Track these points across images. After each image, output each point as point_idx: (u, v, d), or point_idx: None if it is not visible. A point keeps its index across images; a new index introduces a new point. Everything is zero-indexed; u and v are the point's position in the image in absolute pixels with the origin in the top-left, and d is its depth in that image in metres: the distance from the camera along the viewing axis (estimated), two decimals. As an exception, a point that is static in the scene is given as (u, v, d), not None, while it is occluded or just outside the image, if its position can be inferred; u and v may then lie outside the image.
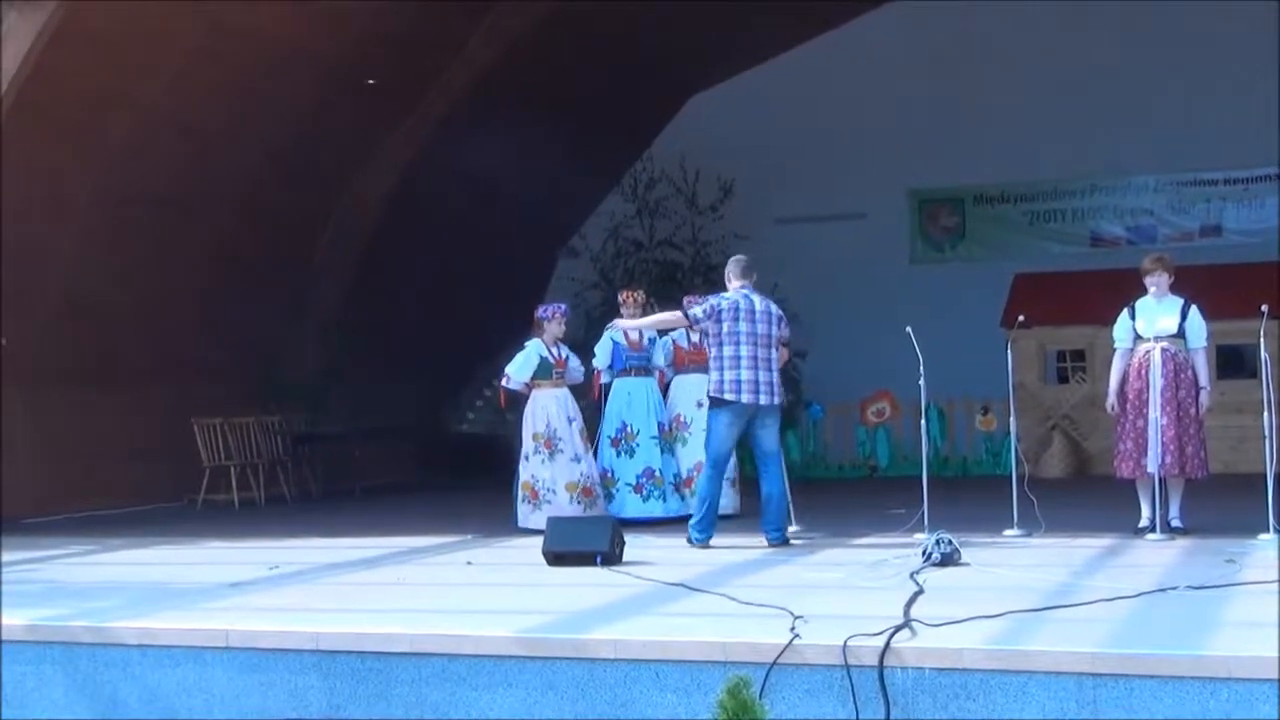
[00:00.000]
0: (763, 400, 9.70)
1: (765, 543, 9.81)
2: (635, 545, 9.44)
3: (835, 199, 18.79)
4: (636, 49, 17.16)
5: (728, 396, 9.66)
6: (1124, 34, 17.61)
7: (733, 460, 10.97)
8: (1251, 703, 5.55)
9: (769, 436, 9.85)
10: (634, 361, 11.91)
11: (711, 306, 9.81)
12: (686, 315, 10.16)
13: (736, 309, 9.74)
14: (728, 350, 9.67)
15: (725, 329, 9.68)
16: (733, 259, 10.24)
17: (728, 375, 9.65)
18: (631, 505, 11.71)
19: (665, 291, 17.76)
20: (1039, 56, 17.92)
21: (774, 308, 9.96)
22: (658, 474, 11.81)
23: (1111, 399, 10.09)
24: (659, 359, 12.11)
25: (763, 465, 9.95)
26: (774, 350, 9.84)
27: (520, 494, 11.58)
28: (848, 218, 18.80)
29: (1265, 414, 9.59)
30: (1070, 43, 17.82)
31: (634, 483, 11.81)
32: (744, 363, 9.64)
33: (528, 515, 11.47)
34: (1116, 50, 17.62)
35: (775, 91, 18.79)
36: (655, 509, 11.69)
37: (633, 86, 18.00)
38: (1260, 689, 5.55)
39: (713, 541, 9.91)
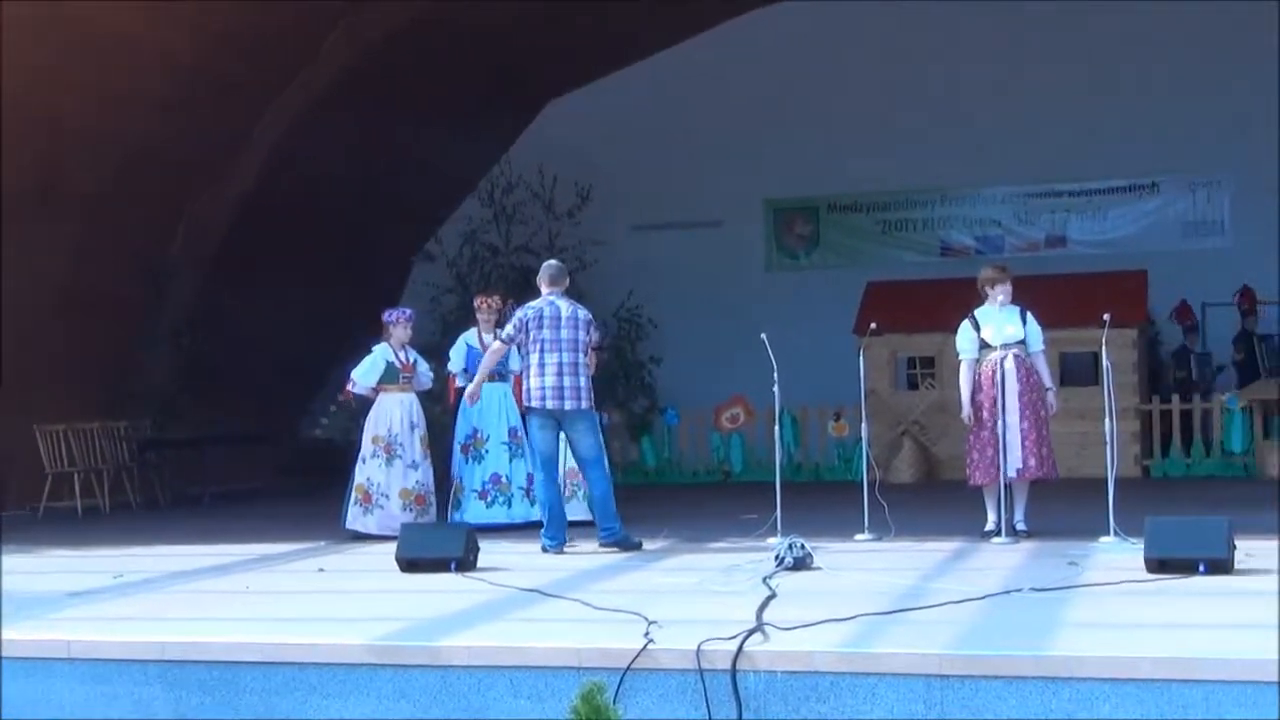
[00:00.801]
0: (568, 405, 9.83)
1: (623, 549, 9.84)
2: (490, 552, 9.41)
3: (692, 206, 18.91)
4: (495, 54, 17.10)
5: (534, 403, 9.85)
6: (973, 47, 17.95)
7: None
8: (1092, 702, 5.69)
9: (582, 442, 9.97)
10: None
11: (519, 320, 9.99)
12: (502, 340, 10.23)
13: (541, 316, 9.89)
14: (534, 357, 9.84)
15: (532, 337, 9.84)
16: (544, 265, 10.35)
17: (534, 382, 9.84)
18: (475, 511, 11.67)
19: (522, 297, 17.72)
20: (892, 68, 18.19)
21: (582, 313, 10.05)
22: (504, 480, 11.77)
23: (967, 409, 10.24)
24: (514, 363, 12.08)
25: (582, 470, 10.18)
26: (581, 355, 9.91)
27: (352, 495, 11.51)
28: (704, 225, 18.93)
29: (1106, 420, 9.84)
30: (923, 54, 18.12)
31: (479, 489, 11.76)
32: (549, 369, 9.80)
33: (357, 517, 11.45)
34: (966, 63, 17.96)
35: (633, 99, 18.85)
36: (499, 515, 11.66)
37: (491, 91, 17.93)
38: (1100, 689, 5.69)
39: (567, 547, 9.91)
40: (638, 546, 9.90)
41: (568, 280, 10.21)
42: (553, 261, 10.43)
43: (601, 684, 5.82)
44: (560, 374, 9.81)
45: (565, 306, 9.98)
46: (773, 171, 18.76)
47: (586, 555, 9.72)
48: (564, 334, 9.87)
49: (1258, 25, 17.07)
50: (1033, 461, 10.05)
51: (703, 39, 18.85)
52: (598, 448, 10.09)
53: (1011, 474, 9.99)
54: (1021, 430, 10.02)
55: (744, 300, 18.11)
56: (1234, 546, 8.02)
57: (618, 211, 18.55)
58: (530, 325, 9.89)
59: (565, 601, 7.52)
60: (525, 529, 11.13)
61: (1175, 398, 16.12)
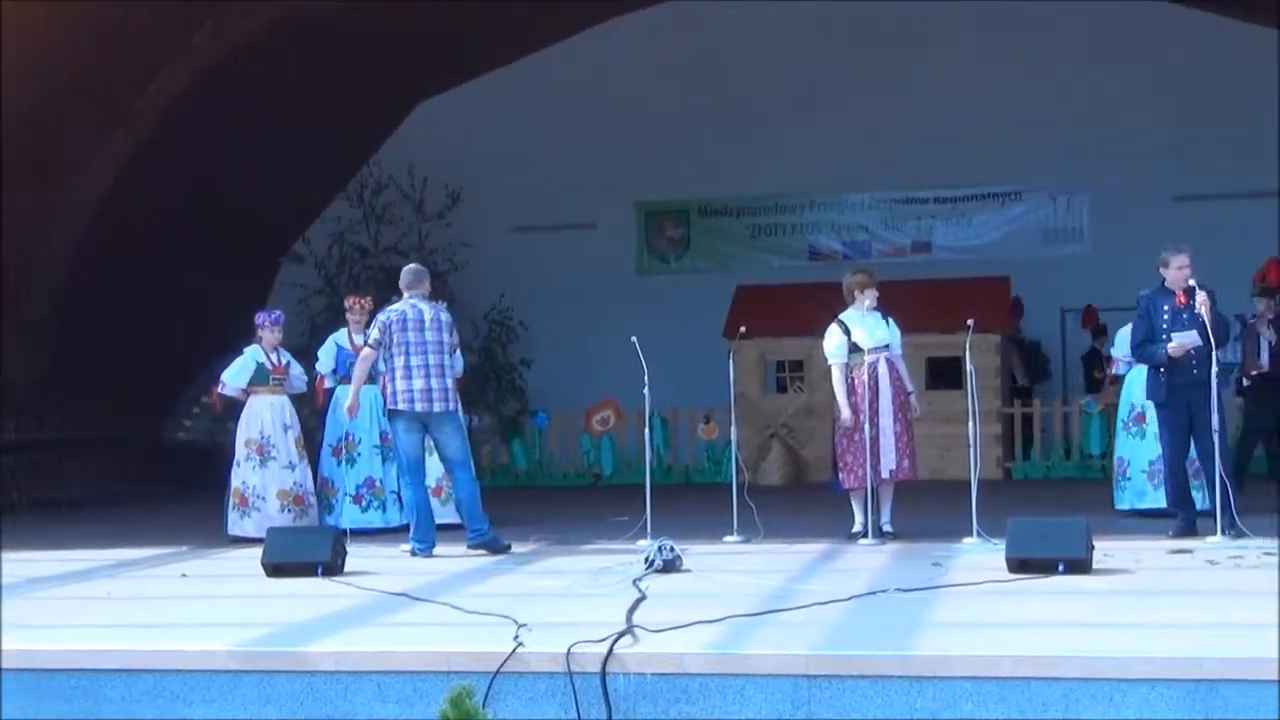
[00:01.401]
0: (436, 408, 9.83)
1: (491, 552, 9.81)
2: (358, 555, 9.32)
3: (563, 209, 18.89)
4: (365, 54, 16.95)
5: (400, 406, 9.83)
6: (845, 55, 18.16)
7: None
8: (955, 701, 5.78)
9: (449, 444, 9.98)
10: None
11: (381, 324, 9.98)
12: (369, 346, 10.19)
13: (404, 320, 9.88)
14: (398, 361, 9.83)
15: (395, 340, 9.83)
16: (405, 268, 10.33)
17: (400, 385, 9.82)
18: (350, 515, 11.56)
19: (391, 300, 17.58)
20: (763, 73, 18.34)
21: (444, 315, 10.06)
22: (379, 484, 11.69)
23: (847, 413, 10.27)
24: (383, 365, 11.98)
25: (449, 472, 10.20)
26: (446, 357, 9.90)
27: (230, 501, 11.37)
28: (575, 227, 18.92)
29: (970, 423, 10.01)
30: (792, 60, 18.29)
31: (353, 493, 11.67)
32: (414, 372, 9.79)
33: (236, 522, 11.33)
34: (835, 70, 18.16)
35: (505, 100, 18.79)
36: (375, 519, 11.57)
37: (361, 91, 17.77)
38: (963, 687, 5.78)
39: (437, 550, 9.86)
40: (506, 549, 9.87)
41: (428, 283, 10.18)
42: (412, 265, 10.46)
43: (470, 687, 5.80)
44: (427, 376, 9.79)
45: (427, 309, 9.97)
46: (644, 175, 18.82)
47: (456, 558, 9.67)
48: (428, 336, 9.85)
49: (1118, 38, 17.50)
50: (906, 463, 10.22)
51: (575, 41, 18.85)
52: (464, 450, 10.08)
53: (885, 475, 10.13)
54: (895, 432, 10.16)
55: (615, 303, 18.14)
56: (1092, 547, 8.21)
57: (489, 213, 18.47)
58: (393, 328, 9.87)
59: (434, 605, 7.48)
60: (398, 533, 11.05)
61: (1036, 402, 16.44)
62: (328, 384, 11.88)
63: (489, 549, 9.81)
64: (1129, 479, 11.41)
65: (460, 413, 10.19)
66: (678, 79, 18.47)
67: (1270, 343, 12.44)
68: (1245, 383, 13.33)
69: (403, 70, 17.99)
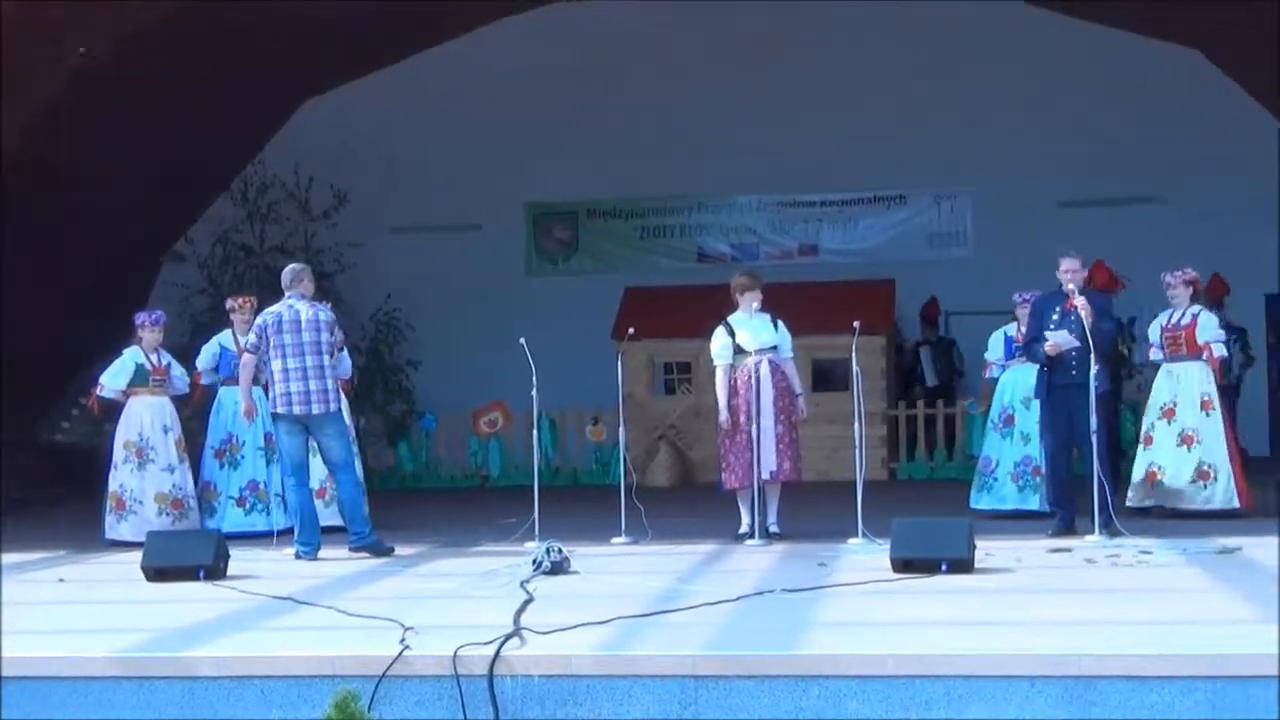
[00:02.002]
0: (315, 410, 9.76)
1: (374, 554, 9.73)
2: (241, 559, 9.20)
3: (451, 209, 18.78)
4: (249, 52, 16.72)
5: (280, 409, 9.78)
6: (733, 57, 18.25)
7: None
8: (840, 700, 5.84)
9: (332, 445, 9.92)
10: None
11: (258, 328, 9.94)
12: (248, 351, 10.12)
13: (280, 322, 9.82)
14: (276, 364, 9.77)
15: (272, 343, 9.77)
16: (285, 269, 10.23)
17: (278, 388, 9.77)
18: (233, 518, 11.42)
19: (276, 299, 17.36)
20: (652, 75, 18.37)
21: (323, 314, 9.98)
22: (262, 487, 11.55)
23: (725, 413, 10.39)
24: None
25: (332, 474, 10.16)
26: (325, 357, 9.81)
27: (107, 504, 11.19)
28: (463, 228, 18.82)
29: (856, 424, 10.12)
30: (680, 62, 18.35)
31: (237, 495, 11.52)
32: (292, 374, 9.72)
33: (113, 526, 11.20)
34: (723, 72, 18.25)
35: (392, 100, 18.64)
36: (259, 522, 11.42)
37: (244, 89, 17.52)
38: (847, 686, 5.84)
39: (322, 553, 9.76)
40: (389, 552, 9.80)
41: (309, 282, 10.09)
42: (292, 264, 10.37)
43: (355, 692, 5.77)
44: (305, 378, 9.71)
45: (305, 309, 9.87)
46: (533, 176, 18.77)
47: (341, 561, 9.59)
48: (305, 337, 9.77)
49: (1003, 44, 17.76)
50: (786, 464, 10.29)
51: (463, 41, 18.75)
52: (347, 451, 9.99)
53: (765, 476, 10.20)
54: (775, 434, 10.23)
55: (503, 304, 18.06)
56: (974, 547, 8.34)
57: (376, 213, 18.31)
58: (269, 331, 9.80)
59: (319, 609, 7.41)
60: (283, 536, 10.91)
61: (920, 404, 16.65)
62: (204, 380, 11.73)
63: (371, 552, 9.74)
64: (995, 479, 11.55)
65: (345, 413, 10.09)
66: (566, 81, 18.45)
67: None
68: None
69: (287, 69, 17.77)
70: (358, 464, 10.77)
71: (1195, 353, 11.22)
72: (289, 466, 9.91)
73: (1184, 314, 11.30)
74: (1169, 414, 11.18)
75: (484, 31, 18.72)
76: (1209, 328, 11.31)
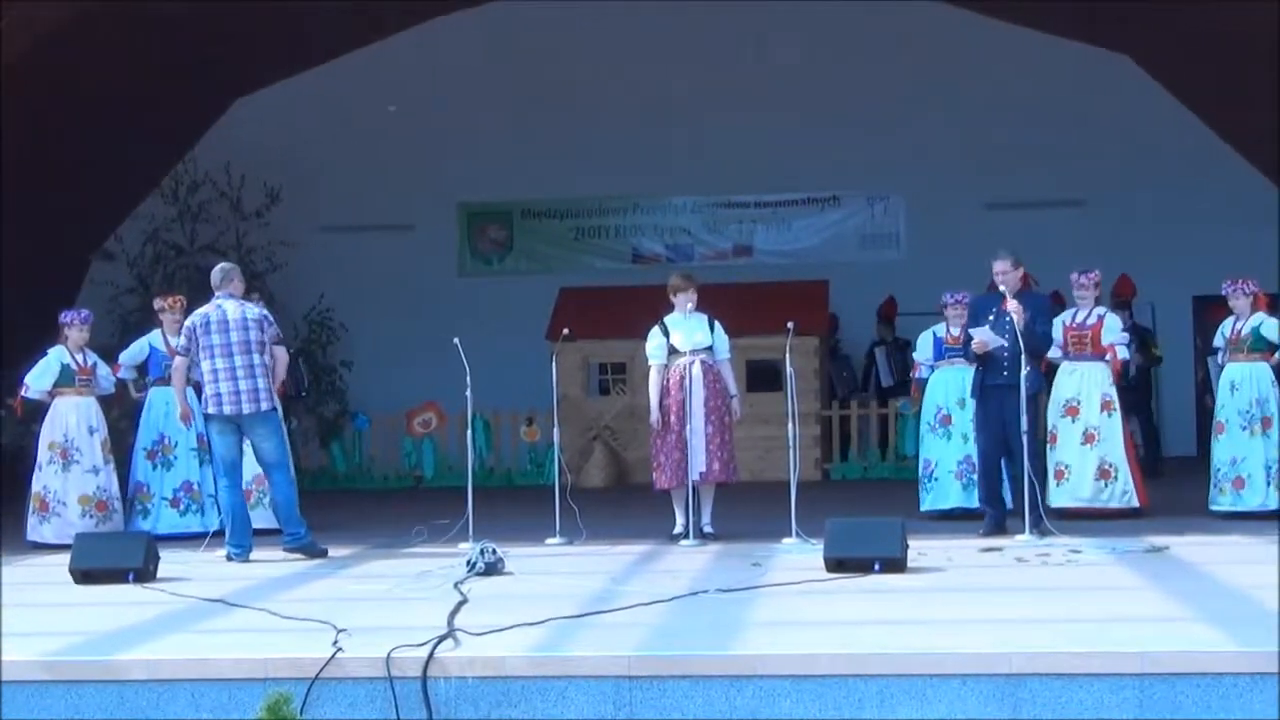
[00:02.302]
0: (245, 409, 9.69)
1: (307, 556, 9.67)
2: (171, 561, 9.12)
3: (384, 209, 18.69)
4: (178, 48, 16.57)
5: (211, 409, 9.74)
6: (665, 57, 18.27)
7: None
8: (774, 699, 5.87)
9: (265, 446, 9.85)
10: None
11: (187, 329, 9.90)
12: (179, 353, 10.07)
13: (208, 322, 9.77)
14: (206, 365, 9.73)
15: (201, 344, 9.73)
16: (215, 268, 10.18)
17: (209, 389, 9.74)
18: (168, 520, 11.32)
19: (206, 298, 17.19)
20: (586, 75, 18.36)
21: (252, 312, 9.90)
22: (196, 488, 11.45)
23: (655, 413, 10.44)
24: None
25: (266, 474, 10.08)
26: (256, 356, 9.74)
27: (30, 505, 11.07)
28: (396, 228, 18.74)
29: (790, 425, 10.16)
30: (616, 63, 18.35)
31: (170, 497, 11.42)
32: (221, 375, 9.67)
33: (35, 527, 11.07)
34: (657, 72, 18.27)
35: (325, 99, 18.52)
36: (193, 524, 11.31)
37: (175, 87, 17.36)
38: (781, 685, 5.87)
39: (254, 555, 9.68)
40: (323, 553, 9.75)
41: (238, 282, 10.04)
42: (221, 264, 10.30)
43: (288, 694, 5.73)
44: (234, 378, 9.65)
45: (233, 308, 9.81)
46: (466, 176, 18.71)
47: (273, 563, 9.52)
48: (234, 337, 9.70)
49: (934, 46, 17.89)
50: (716, 465, 10.30)
51: (397, 40, 18.66)
52: (281, 450, 9.92)
53: (695, 477, 10.22)
54: (706, 435, 10.25)
55: (437, 304, 18.00)
56: (907, 546, 8.39)
57: (308, 212, 18.19)
58: (198, 332, 9.75)
59: (251, 611, 7.36)
60: (213, 538, 10.81)
61: (854, 404, 16.74)
62: (122, 373, 11.62)
63: (305, 553, 9.68)
64: (936, 480, 11.62)
65: (278, 411, 9.99)
66: (500, 80, 18.41)
67: None
68: None
69: (218, 67, 17.62)
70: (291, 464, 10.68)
71: (1099, 353, 11.40)
72: (221, 467, 9.84)
73: (1089, 314, 11.46)
74: (1072, 412, 11.31)
75: (418, 30, 18.64)
76: (1114, 329, 11.50)
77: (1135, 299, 15.18)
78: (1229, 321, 11.39)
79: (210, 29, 16.31)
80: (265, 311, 10.04)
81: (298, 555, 9.65)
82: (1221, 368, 11.40)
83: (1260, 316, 11.21)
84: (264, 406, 9.73)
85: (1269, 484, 10.85)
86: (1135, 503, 11.23)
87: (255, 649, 6.29)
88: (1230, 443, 11.05)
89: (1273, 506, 10.78)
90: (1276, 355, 11.09)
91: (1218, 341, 11.55)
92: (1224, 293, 11.42)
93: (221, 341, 9.68)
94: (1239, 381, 11.10)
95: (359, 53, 18.66)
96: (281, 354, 9.97)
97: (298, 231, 17.84)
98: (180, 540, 10.70)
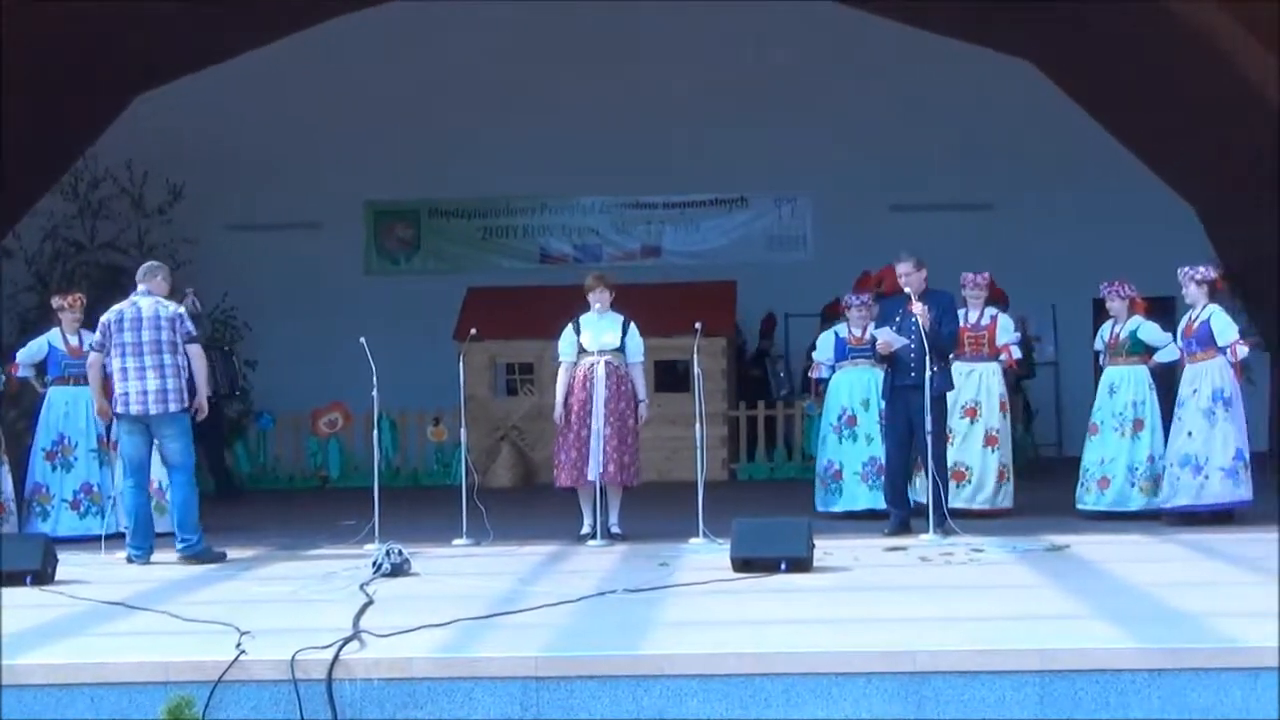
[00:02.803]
0: (153, 410, 9.55)
1: (201, 562, 9.52)
2: (70, 563, 8.99)
3: (289, 207, 18.51)
4: (79, 43, 16.31)
5: (119, 409, 9.61)
6: (577, 58, 18.26)
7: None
8: (681, 699, 5.89)
9: (169, 447, 9.69)
10: (73, 369, 11.29)
11: (102, 325, 9.76)
12: (94, 351, 9.93)
13: (121, 320, 9.65)
14: (117, 363, 9.60)
15: (114, 341, 9.61)
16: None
17: (118, 388, 9.60)
18: (67, 522, 11.13)
19: (108, 297, 16.93)
20: (493, 74, 18.30)
21: (165, 310, 9.72)
22: (96, 489, 11.27)
23: (558, 410, 10.47)
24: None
25: (168, 475, 9.89)
26: (167, 356, 9.60)
27: None
28: (301, 226, 18.57)
29: (697, 425, 10.19)
30: (525, 63, 18.31)
31: (70, 498, 11.23)
32: (131, 374, 9.55)
33: None
34: (567, 73, 18.26)
35: (229, 95, 18.30)
36: (93, 526, 11.11)
37: (75, 82, 17.08)
38: (688, 685, 5.89)
39: (156, 557, 9.55)
40: (220, 558, 9.60)
41: (161, 280, 9.88)
42: (149, 261, 10.10)
43: (189, 698, 5.67)
44: (143, 377, 9.51)
45: (147, 306, 9.67)
46: (373, 175, 18.59)
47: (175, 566, 9.39)
48: (145, 336, 9.56)
49: (843, 49, 18.03)
50: (612, 467, 10.26)
51: (302, 37, 18.48)
52: (185, 452, 9.74)
53: (591, 478, 10.21)
54: (604, 436, 10.23)
55: (343, 304, 17.87)
56: (813, 546, 8.45)
57: (212, 210, 17.98)
58: (111, 329, 9.60)
59: (152, 614, 7.26)
60: (111, 540, 10.65)
61: (760, 404, 16.82)
62: (20, 372, 11.43)
63: (199, 560, 9.50)
64: (842, 481, 11.69)
65: (188, 413, 9.82)
66: (408, 79, 18.30)
67: None
68: None
69: (121, 62, 17.35)
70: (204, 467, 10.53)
71: (994, 354, 11.58)
72: (128, 467, 9.69)
73: (982, 315, 11.63)
74: (971, 414, 11.47)
75: (323, 28, 18.47)
76: (1008, 330, 11.70)
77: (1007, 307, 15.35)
78: (1107, 325, 11.59)
79: (112, 24, 16.06)
80: (181, 310, 9.85)
81: (192, 563, 9.48)
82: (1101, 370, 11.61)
83: (1138, 320, 11.39)
84: (172, 408, 9.57)
85: (1132, 485, 11.05)
86: (1010, 504, 11.53)
87: (156, 652, 6.21)
88: (1102, 443, 11.24)
89: (1132, 508, 10.98)
90: (1154, 358, 11.31)
91: (1097, 345, 11.73)
92: (1101, 295, 11.59)
93: (133, 340, 9.53)
94: (1118, 384, 11.29)
95: (264, 50, 18.45)
96: (196, 353, 9.78)
97: (201, 229, 17.62)
98: (80, 543, 10.53)
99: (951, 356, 11.00)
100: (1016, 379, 14.34)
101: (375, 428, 10.84)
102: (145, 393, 9.49)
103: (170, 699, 5.66)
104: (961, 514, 10.96)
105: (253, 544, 10.39)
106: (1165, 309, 12.86)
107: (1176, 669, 5.84)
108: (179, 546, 9.59)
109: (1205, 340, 10.60)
